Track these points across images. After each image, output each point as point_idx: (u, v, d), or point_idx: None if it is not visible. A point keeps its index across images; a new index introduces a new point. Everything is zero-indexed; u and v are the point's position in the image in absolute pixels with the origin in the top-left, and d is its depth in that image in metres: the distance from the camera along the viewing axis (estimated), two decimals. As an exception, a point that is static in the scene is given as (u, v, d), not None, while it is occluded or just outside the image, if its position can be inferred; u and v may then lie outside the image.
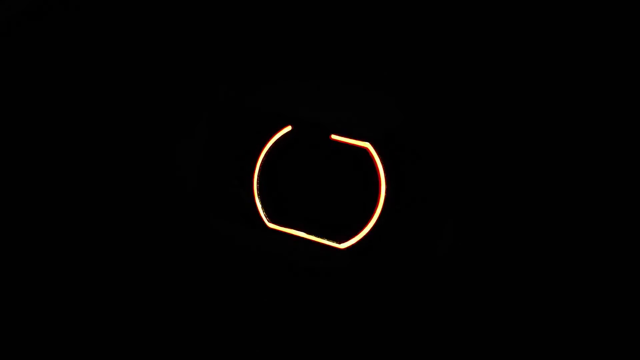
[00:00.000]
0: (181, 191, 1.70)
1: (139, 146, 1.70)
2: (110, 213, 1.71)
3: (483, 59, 1.57)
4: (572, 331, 1.55)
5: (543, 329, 1.56)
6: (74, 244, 1.72)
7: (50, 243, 1.72)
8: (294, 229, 1.67)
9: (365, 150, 1.63)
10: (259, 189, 1.68)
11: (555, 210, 1.54)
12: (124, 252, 1.71)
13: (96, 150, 1.71)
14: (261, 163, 1.67)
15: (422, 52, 1.59)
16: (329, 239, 1.66)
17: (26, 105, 1.72)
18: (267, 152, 1.67)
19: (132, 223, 1.71)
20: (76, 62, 1.70)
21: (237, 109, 1.68)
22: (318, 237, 1.66)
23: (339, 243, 1.66)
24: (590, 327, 1.54)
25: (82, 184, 1.72)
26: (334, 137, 1.62)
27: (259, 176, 1.67)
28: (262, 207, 1.68)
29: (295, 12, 1.63)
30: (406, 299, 1.63)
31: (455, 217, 1.59)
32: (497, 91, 1.57)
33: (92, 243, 1.71)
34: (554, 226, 1.54)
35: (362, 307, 1.65)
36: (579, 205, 1.54)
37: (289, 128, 1.64)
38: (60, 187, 1.72)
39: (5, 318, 1.72)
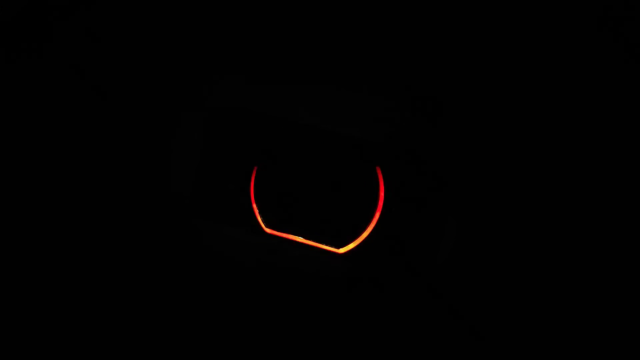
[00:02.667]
0: (177, 195, 1.69)
1: (135, 148, 1.69)
2: (106, 217, 1.69)
3: (482, 61, 1.57)
4: (573, 335, 1.55)
5: (545, 333, 1.57)
6: (69, 246, 1.69)
7: (45, 245, 1.70)
8: (292, 234, 1.66)
9: (364, 152, 1.63)
10: (256, 193, 1.67)
11: (556, 212, 1.55)
12: (119, 257, 1.69)
13: (92, 152, 1.70)
14: (258, 167, 1.66)
15: (422, 54, 1.59)
16: (327, 243, 1.65)
17: (23, 106, 1.71)
18: (265, 155, 1.66)
19: (127, 227, 1.69)
20: (72, 62, 1.69)
21: (235, 112, 1.67)
22: (316, 242, 1.65)
23: (338, 248, 1.65)
24: (592, 330, 1.55)
25: (77, 186, 1.70)
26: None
27: (255, 180, 1.66)
28: (259, 211, 1.67)
29: (296, 14, 1.63)
30: (406, 305, 1.63)
31: (456, 221, 1.59)
32: (497, 93, 1.57)
33: (87, 246, 1.69)
34: (555, 228, 1.55)
35: (361, 313, 1.64)
36: (580, 206, 1.54)
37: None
38: (54, 189, 1.70)
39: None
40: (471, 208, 1.58)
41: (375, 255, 1.64)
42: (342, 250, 1.65)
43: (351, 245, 1.65)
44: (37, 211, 1.69)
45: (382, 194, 1.63)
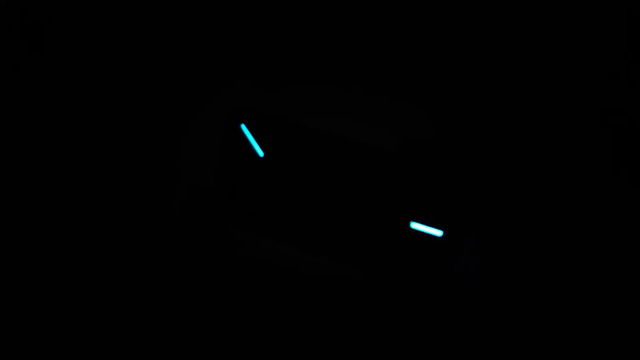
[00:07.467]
0: (195, 198, 1.66)
1: (149, 150, 1.65)
2: (119, 218, 1.65)
3: (511, 76, 1.57)
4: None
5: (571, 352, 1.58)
6: (79, 248, 1.66)
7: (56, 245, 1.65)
8: (308, 243, 1.64)
9: (385, 163, 1.61)
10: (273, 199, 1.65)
11: (584, 235, 1.56)
12: (133, 260, 1.66)
13: (105, 154, 1.66)
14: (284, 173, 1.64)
15: (448, 63, 1.59)
16: (345, 256, 1.64)
17: (33, 106, 1.65)
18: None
19: (134, 229, 1.66)
20: (95, 64, 1.65)
21: (256, 118, 1.64)
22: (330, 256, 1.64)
23: (358, 260, 1.64)
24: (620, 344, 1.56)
25: (91, 187, 1.66)
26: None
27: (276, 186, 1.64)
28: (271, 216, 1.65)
29: (326, 18, 1.61)
30: (423, 320, 1.62)
31: (476, 236, 1.59)
32: (524, 106, 1.57)
33: (97, 247, 1.65)
34: (582, 251, 1.56)
35: (375, 328, 1.64)
36: (605, 226, 1.55)
37: None
38: (76, 190, 1.65)
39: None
40: (493, 225, 1.59)
41: (394, 270, 1.63)
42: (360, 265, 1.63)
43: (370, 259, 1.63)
44: (52, 212, 1.65)
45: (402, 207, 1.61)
